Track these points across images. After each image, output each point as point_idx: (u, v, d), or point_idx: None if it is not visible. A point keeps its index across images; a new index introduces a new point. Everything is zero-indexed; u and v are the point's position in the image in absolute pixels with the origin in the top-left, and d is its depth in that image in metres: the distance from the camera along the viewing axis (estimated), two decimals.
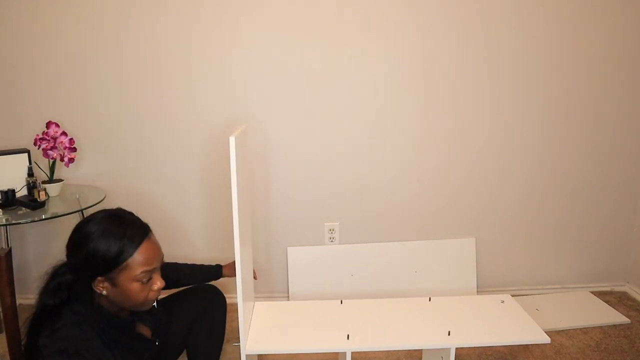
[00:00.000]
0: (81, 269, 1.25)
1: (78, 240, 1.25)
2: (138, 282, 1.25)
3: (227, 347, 1.86)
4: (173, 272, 1.71)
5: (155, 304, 1.43)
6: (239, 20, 2.34)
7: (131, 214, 1.32)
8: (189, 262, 1.89)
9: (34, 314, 1.29)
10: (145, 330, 1.45)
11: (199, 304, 1.74)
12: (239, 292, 1.48)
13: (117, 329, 1.30)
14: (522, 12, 2.38)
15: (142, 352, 1.40)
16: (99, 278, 1.24)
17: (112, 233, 1.23)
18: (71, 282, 1.28)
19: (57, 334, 1.20)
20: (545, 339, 1.63)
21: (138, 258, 1.24)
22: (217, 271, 1.90)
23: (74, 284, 1.28)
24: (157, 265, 1.29)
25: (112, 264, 1.22)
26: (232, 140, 1.39)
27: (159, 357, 1.52)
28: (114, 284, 1.24)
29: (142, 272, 1.24)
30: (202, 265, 1.91)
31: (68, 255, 1.28)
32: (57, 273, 1.30)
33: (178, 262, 1.84)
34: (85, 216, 2.31)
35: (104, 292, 1.26)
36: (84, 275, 1.25)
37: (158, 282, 1.30)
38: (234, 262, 1.58)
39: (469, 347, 2.15)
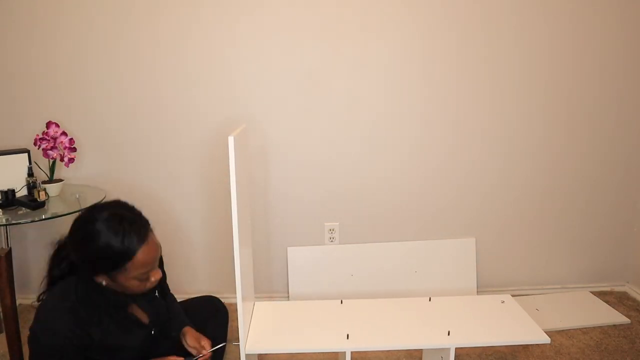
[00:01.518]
0: (83, 263, 1.32)
1: (81, 237, 1.30)
2: (136, 280, 1.32)
3: (227, 347, 1.85)
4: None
5: (157, 293, 1.51)
6: (239, 20, 2.34)
7: (132, 210, 1.36)
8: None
9: (46, 281, 1.41)
10: (142, 316, 1.48)
11: (202, 314, 1.74)
12: (238, 292, 1.48)
13: (110, 305, 1.36)
14: (522, 12, 2.38)
15: (135, 335, 1.44)
16: (101, 274, 1.31)
17: (113, 238, 1.26)
18: (73, 261, 1.36)
19: (39, 310, 1.32)
20: (545, 339, 1.63)
21: (136, 262, 1.28)
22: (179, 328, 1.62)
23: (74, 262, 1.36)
24: (155, 265, 1.35)
25: (111, 268, 1.29)
26: (230, 140, 1.39)
27: (158, 349, 1.52)
28: (113, 280, 1.31)
29: (140, 273, 1.30)
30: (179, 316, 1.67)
31: (71, 246, 1.33)
32: (61, 250, 1.41)
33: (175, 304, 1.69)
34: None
35: (104, 283, 1.33)
36: (85, 268, 1.32)
37: (155, 276, 1.36)
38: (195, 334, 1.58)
39: (469, 347, 2.15)
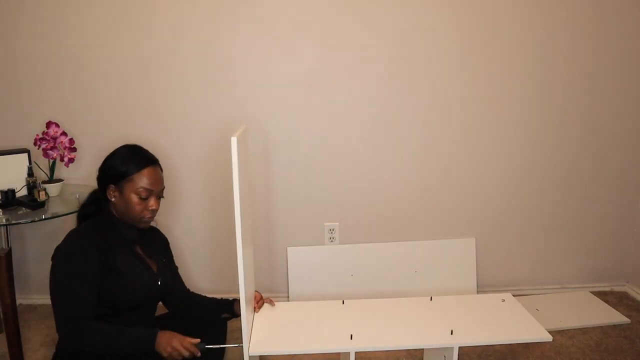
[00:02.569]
0: (101, 178, 1.61)
1: (107, 156, 1.62)
2: (137, 196, 1.56)
3: (226, 350, 1.85)
4: (195, 306, 1.80)
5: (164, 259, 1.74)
6: (239, 20, 2.34)
7: (148, 152, 1.66)
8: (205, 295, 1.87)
9: (77, 221, 1.69)
10: (152, 264, 1.68)
11: (200, 323, 1.75)
12: (242, 293, 1.47)
13: (119, 238, 1.60)
14: (522, 11, 2.38)
15: (144, 276, 1.61)
16: (112, 186, 1.57)
17: (126, 154, 1.60)
18: (99, 198, 1.64)
19: (66, 238, 1.56)
20: (547, 337, 1.63)
21: (140, 176, 1.56)
22: (229, 305, 1.80)
23: (100, 200, 1.63)
24: (155, 189, 1.59)
25: (122, 175, 1.56)
26: (233, 140, 1.38)
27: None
28: (120, 192, 1.56)
29: (141, 188, 1.55)
30: (220, 300, 1.84)
31: (98, 171, 1.63)
32: (92, 191, 1.69)
33: (203, 295, 1.85)
34: None
35: (113, 199, 1.59)
36: (103, 183, 1.60)
37: (153, 204, 1.60)
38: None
39: (470, 347, 2.16)
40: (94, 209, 1.64)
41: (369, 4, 2.35)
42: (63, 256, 1.51)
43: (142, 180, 1.56)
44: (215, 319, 1.77)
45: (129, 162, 1.57)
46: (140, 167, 1.57)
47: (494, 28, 2.40)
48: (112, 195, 1.58)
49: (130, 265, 1.58)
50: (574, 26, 2.41)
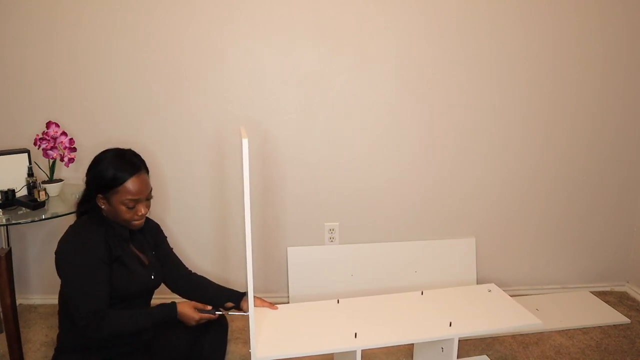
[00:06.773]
0: (89, 186, 1.65)
1: (91, 163, 1.65)
2: (124, 206, 1.59)
3: (227, 348, 1.85)
4: (200, 288, 1.86)
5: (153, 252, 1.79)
6: (239, 20, 2.34)
7: (135, 154, 1.68)
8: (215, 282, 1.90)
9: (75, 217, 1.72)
10: (144, 258, 1.73)
11: (202, 324, 1.73)
12: (250, 292, 1.45)
13: (115, 235, 1.64)
14: (526, 13, 2.38)
15: (138, 270, 1.67)
16: (99, 195, 1.61)
17: (111, 162, 1.60)
18: (90, 197, 1.66)
19: (65, 234, 1.62)
20: (537, 322, 1.71)
21: (125, 188, 1.58)
22: (238, 298, 1.84)
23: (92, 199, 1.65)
24: (141, 197, 1.62)
25: (107, 187, 1.58)
26: (245, 142, 1.36)
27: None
28: (109, 202, 1.60)
29: (127, 199, 1.59)
30: (228, 289, 1.88)
31: (86, 172, 1.65)
32: (86, 189, 1.69)
33: (208, 279, 1.90)
34: None
35: (103, 207, 1.62)
36: (91, 191, 1.63)
37: (142, 210, 1.64)
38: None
39: (471, 347, 2.16)
40: (91, 205, 1.67)
41: (369, 5, 2.34)
42: (75, 249, 1.56)
43: (128, 191, 1.58)
44: (218, 303, 1.79)
45: (114, 172, 1.58)
46: (124, 179, 1.58)
47: (501, 30, 2.39)
48: (102, 204, 1.62)
49: (128, 259, 1.64)
50: (581, 29, 2.41)
